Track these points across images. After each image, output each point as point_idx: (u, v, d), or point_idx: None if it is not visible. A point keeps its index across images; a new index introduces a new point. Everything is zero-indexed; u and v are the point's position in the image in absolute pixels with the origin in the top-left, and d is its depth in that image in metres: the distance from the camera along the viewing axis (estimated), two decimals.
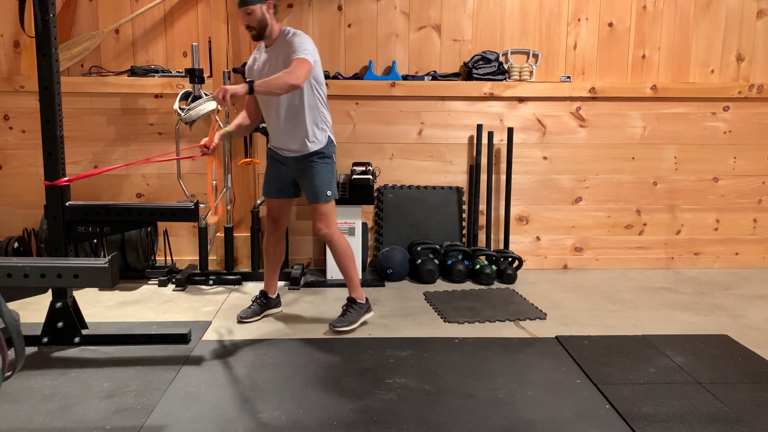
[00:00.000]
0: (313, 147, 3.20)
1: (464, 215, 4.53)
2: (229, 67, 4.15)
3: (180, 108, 3.93)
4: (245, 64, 3.89)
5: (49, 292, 2.99)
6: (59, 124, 2.88)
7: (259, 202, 4.25)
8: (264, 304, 3.53)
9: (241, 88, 2.92)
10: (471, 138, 4.49)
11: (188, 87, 4.09)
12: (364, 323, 3.39)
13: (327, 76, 4.32)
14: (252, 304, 3.51)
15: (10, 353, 1.63)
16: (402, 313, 3.61)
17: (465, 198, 4.54)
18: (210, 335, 3.25)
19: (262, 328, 3.37)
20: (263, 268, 3.58)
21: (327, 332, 3.28)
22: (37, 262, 1.99)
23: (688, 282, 4.34)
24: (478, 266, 4.19)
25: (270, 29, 3.15)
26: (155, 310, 3.65)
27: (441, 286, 4.14)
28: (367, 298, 3.45)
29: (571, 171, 4.57)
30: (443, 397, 2.59)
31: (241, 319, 3.44)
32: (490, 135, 4.43)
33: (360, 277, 4.12)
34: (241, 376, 2.76)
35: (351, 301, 3.38)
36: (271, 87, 2.95)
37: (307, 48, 3.05)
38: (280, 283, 4.14)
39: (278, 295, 3.63)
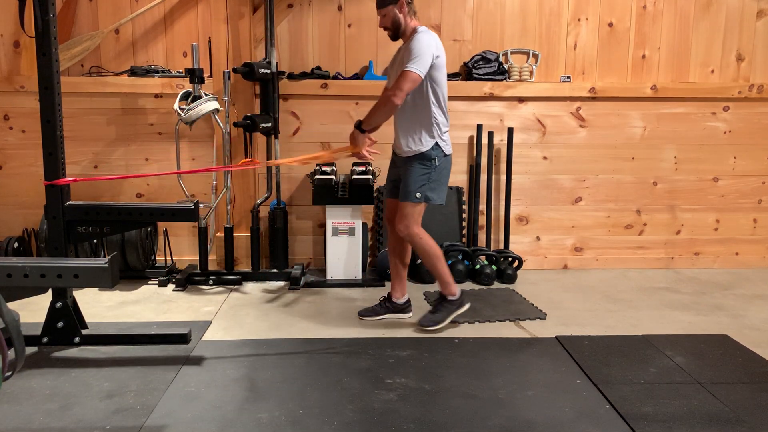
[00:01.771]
0: (415, 148, 3.17)
1: (464, 215, 4.53)
2: (229, 67, 4.14)
3: (180, 108, 3.93)
4: (245, 63, 3.92)
5: (49, 292, 2.99)
6: (59, 124, 2.88)
7: (259, 202, 4.24)
8: (387, 307, 3.47)
9: (353, 131, 3.18)
10: (471, 138, 4.49)
11: (188, 87, 4.09)
12: (455, 322, 3.35)
13: (326, 76, 4.34)
14: (376, 304, 3.51)
15: (10, 353, 1.63)
16: None
17: (465, 198, 4.54)
18: (210, 335, 3.25)
19: (262, 328, 3.37)
20: (389, 269, 3.51)
21: (327, 332, 3.29)
22: (37, 262, 1.99)
23: (688, 282, 4.34)
24: (478, 266, 4.19)
25: (404, 28, 3.16)
26: (155, 310, 3.65)
27: None
28: (462, 291, 3.36)
29: (571, 171, 4.57)
30: (443, 397, 2.59)
31: (361, 317, 3.47)
32: (490, 135, 4.43)
33: (360, 277, 4.16)
34: (241, 376, 2.76)
35: (442, 298, 3.34)
36: (373, 116, 3.12)
37: (417, 57, 2.99)
38: (280, 283, 4.14)
39: (408, 301, 3.49)
